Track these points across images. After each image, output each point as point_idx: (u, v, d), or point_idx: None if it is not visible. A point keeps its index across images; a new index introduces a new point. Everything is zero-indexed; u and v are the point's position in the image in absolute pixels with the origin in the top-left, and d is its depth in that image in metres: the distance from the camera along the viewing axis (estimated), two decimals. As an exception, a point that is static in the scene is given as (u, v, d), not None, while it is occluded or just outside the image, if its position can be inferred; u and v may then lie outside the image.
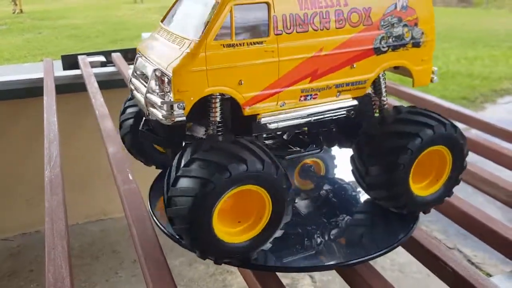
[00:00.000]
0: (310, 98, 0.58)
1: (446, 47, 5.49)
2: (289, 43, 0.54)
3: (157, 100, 0.53)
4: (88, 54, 1.71)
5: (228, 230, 0.53)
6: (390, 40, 0.60)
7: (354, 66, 0.59)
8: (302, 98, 0.58)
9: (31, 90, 1.49)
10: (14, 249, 1.92)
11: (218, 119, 0.56)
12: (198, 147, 0.52)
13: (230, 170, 0.48)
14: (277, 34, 0.54)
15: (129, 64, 1.58)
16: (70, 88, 1.52)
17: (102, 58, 1.70)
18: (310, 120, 0.59)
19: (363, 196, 0.68)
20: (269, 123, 0.57)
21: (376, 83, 0.63)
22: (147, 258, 0.60)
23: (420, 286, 1.48)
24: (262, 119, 0.56)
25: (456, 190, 0.65)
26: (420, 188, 0.62)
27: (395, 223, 0.63)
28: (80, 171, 1.75)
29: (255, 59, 0.53)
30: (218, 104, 0.55)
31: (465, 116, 1.08)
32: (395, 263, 1.71)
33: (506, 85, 4.12)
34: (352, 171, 0.64)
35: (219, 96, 0.55)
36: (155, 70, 0.55)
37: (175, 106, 0.51)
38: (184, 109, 0.51)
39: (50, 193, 0.75)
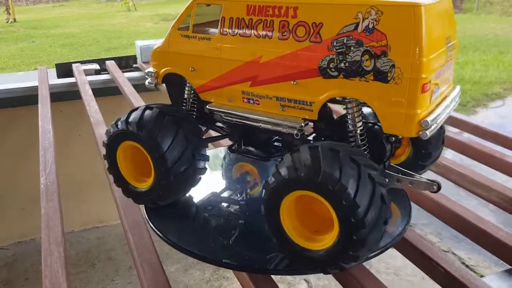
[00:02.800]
0: (253, 103, 0.60)
1: (438, 52, 5.53)
2: (232, 45, 0.59)
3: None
4: (82, 62, 1.72)
5: None
6: (342, 64, 0.51)
7: (295, 82, 0.55)
8: (245, 100, 0.60)
9: (26, 99, 1.49)
10: (9, 258, 1.91)
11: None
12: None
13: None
14: (223, 34, 0.59)
15: (123, 72, 1.59)
16: (64, 96, 1.53)
17: (96, 66, 1.70)
18: (259, 126, 0.60)
19: None
20: (216, 111, 0.64)
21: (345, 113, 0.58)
22: (143, 263, 0.60)
23: (415, 289, 1.49)
24: (211, 106, 0.64)
25: (449, 193, 0.66)
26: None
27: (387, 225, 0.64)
28: (75, 179, 1.75)
29: (202, 52, 0.62)
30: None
31: (457, 120, 1.10)
32: (390, 266, 1.72)
33: (497, 89, 4.16)
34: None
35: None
36: None
37: (149, 74, 0.69)
38: (155, 77, 0.69)
39: (46, 200, 0.75)
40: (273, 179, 0.51)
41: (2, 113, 1.61)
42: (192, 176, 0.63)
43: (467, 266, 1.87)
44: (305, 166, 0.48)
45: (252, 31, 0.57)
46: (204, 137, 0.67)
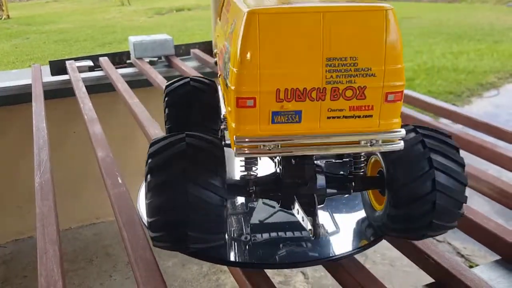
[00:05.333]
0: None
1: (431, 42, 5.55)
2: None
3: None
4: (76, 59, 1.72)
5: None
6: None
7: None
8: None
9: (19, 97, 1.49)
10: (7, 255, 1.92)
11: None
12: None
13: None
14: None
15: (116, 68, 1.59)
16: (58, 94, 1.53)
17: (89, 63, 1.70)
18: None
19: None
20: None
21: None
22: (138, 260, 0.61)
23: (410, 279, 1.50)
24: None
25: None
26: None
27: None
28: (71, 176, 1.75)
29: None
30: None
31: (449, 111, 1.10)
32: (386, 258, 1.73)
33: (492, 79, 4.18)
34: None
35: None
36: None
37: None
38: None
39: (41, 199, 0.75)
40: None
41: (-4, 111, 1.61)
42: None
43: (462, 255, 1.89)
44: None
45: None
46: None
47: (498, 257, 0.64)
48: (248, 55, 0.45)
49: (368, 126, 0.48)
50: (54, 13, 9.25)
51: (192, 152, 0.50)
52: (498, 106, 3.62)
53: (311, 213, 0.51)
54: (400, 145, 0.49)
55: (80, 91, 1.29)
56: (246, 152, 0.47)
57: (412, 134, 0.53)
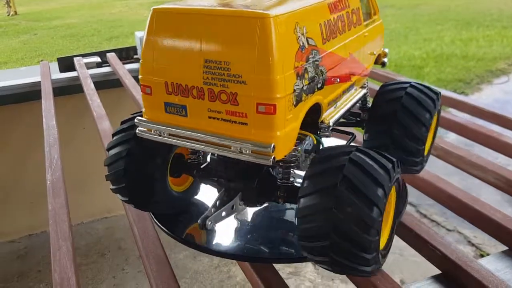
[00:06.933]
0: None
1: (440, 29, 5.49)
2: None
3: None
4: (84, 56, 1.73)
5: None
6: None
7: None
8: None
9: (29, 94, 1.51)
10: (21, 250, 1.95)
11: None
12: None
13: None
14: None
15: (123, 63, 1.60)
16: (67, 90, 1.54)
17: (97, 59, 1.71)
18: None
19: None
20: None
21: None
22: (148, 255, 0.62)
23: (420, 268, 1.51)
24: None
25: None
26: None
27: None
28: (82, 171, 1.78)
29: None
30: None
31: (455, 100, 1.10)
32: (395, 246, 1.73)
33: (502, 65, 4.13)
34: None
35: None
36: None
37: None
38: None
39: (53, 196, 0.77)
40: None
41: (7, 109, 1.63)
42: None
43: (473, 244, 1.89)
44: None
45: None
46: None
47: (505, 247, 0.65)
48: (147, 48, 0.50)
49: (242, 133, 0.47)
50: (61, 8, 9.29)
51: None
52: (508, 93, 3.59)
53: (218, 205, 0.57)
54: (268, 161, 0.45)
55: (89, 87, 1.30)
56: (145, 134, 0.53)
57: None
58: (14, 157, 1.82)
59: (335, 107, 0.58)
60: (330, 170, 0.46)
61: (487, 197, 0.70)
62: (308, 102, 0.50)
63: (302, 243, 0.47)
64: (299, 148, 0.54)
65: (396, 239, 0.61)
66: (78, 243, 1.95)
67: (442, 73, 3.97)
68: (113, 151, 0.59)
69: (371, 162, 0.46)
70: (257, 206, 0.61)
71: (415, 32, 5.44)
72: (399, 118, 0.63)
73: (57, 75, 1.60)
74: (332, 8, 0.54)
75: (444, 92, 1.15)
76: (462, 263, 0.57)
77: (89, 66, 1.62)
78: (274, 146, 0.45)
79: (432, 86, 0.69)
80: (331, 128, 0.56)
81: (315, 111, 0.54)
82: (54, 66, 1.69)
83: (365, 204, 0.44)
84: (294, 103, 0.47)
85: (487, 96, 3.53)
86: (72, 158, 1.68)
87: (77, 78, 1.48)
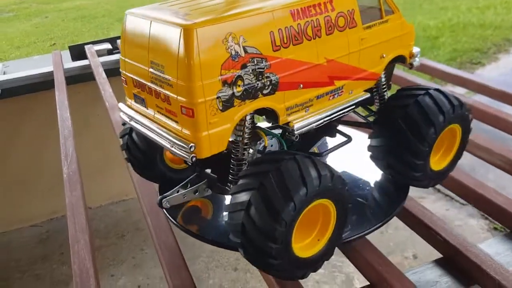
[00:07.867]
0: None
1: (456, -3, 5.34)
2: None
3: None
4: (94, 43, 1.75)
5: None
6: None
7: None
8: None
9: (43, 84, 1.54)
10: (43, 234, 2.02)
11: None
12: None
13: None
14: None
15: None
16: (80, 79, 1.57)
17: (108, 46, 1.73)
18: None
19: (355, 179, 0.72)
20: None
21: None
22: (161, 245, 0.65)
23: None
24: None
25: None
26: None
27: (386, 198, 0.68)
28: (98, 156, 1.82)
29: None
30: None
31: (463, 78, 1.10)
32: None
33: (519, 34, 4.03)
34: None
35: None
36: None
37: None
38: None
39: (70, 189, 0.80)
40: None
41: (21, 99, 1.66)
42: None
43: (486, 218, 1.88)
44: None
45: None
46: None
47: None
48: (121, 45, 0.58)
49: (176, 130, 0.52)
50: (71, -11, 9.26)
51: None
52: (526, 62, 3.51)
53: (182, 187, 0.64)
54: (189, 158, 0.50)
55: (100, 77, 1.33)
56: (124, 118, 0.61)
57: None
58: (31, 145, 1.87)
59: (306, 112, 0.57)
60: (253, 175, 0.50)
61: (495, 179, 0.71)
62: (246, 107, 0.51)
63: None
64: (253, 147, 0.58)
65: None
66: (97, 225, 2.01)
67: (458, 42, 3.89)
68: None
69: (294, 174, 0.48)
70: (223, 194, 0.64)
71: (430, 1, 5.32)
72: (398, 128, 0.61)
73: (69, 64, 1.63)
74: (297, 14, 0.53)
75: (453, 70, 1.15)
76: (463, 248, 0.59)
77: (100, 53, 1.64)
78: (193, 146, 0.49)
79: (458, 96, 0.64)
80: (295, 131, 0.56)
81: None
82: (66, 54, 1.71)
83: (271, 216, 0.47)
84: (221, 108, 0.49)
85: (504, 65, 3.46)
86: (89, 144, 1.72)
87: (88, 67, 1.50)
